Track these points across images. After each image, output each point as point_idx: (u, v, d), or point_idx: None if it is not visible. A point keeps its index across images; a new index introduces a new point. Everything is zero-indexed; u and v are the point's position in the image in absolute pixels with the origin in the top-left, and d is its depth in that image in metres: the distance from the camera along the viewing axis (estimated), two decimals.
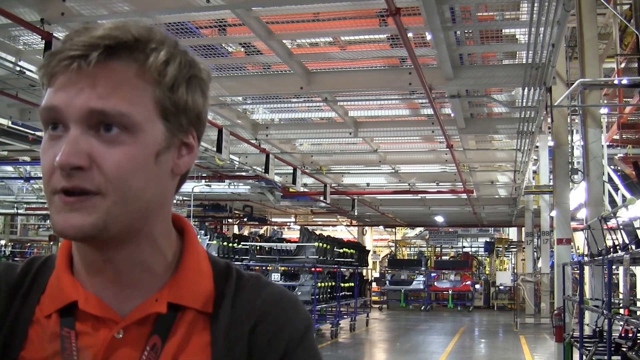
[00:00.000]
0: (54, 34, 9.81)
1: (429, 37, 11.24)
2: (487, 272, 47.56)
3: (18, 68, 12.20)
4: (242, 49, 13.11)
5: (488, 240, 49.83)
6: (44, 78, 1.30)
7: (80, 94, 1.25)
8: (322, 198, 24.67)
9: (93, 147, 1.26)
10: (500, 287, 41.27)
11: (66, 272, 1.38)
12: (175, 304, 1.38)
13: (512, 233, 49.88)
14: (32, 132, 17.61)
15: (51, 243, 30.92)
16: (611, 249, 10.11)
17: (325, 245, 24.29)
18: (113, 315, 1.34)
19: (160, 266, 1.40)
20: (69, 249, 1.41)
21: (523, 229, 37.46)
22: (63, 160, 1.23)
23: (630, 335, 10.69)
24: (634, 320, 8.96)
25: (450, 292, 40.28)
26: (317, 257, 23.04)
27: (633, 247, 9.11)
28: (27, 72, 12.24)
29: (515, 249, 47.11)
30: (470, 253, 49.82)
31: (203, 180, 25.60)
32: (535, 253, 34.42)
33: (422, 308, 39.56)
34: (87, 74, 1.26)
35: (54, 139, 1.27)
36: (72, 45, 1.27)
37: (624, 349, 9.51)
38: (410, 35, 10.93)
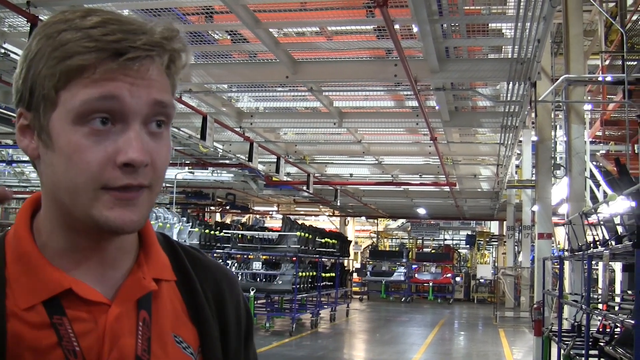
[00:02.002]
0: (40, 17, 9.77)
1: (415, 29, 11.25)
2: (468, 265, 47.71)
3: (2, 50, 12.12)
4: (229, 37, 13.11)
5: (469, 233, 50.03)
6: (86, 67, 1.25)
7: (144, 89, 1.28)
8: (305, 188, 24.68)
9: (149, 144, 1.29)
10: (480, 280, 41.38)
11: (45, 260, 1.33)
12: (155, 278, 1.43)
13: (493, 227, 50.06)
14: (15, 115, 17.47)
15: None
16: (591, 245, 10.17)
17: (307, 235, 24.28)
18: (102, 298, 1.34)
19: (134, 244, 1.44)
20: (32, 238, 1.36)
21: (505, 222, 37.65)
22: (137, 158, 1.25)
23: (608, 330, 10.77)
24: (612, 316, 9.03)
25: (430, 284, 40.36)
26: (299, 246, 23.05)
27: (613, 242, 9.17)
28: (12, 55, 12.16)
29: (496, 243, 47.26)
30: (451, 246, 49.95)
31: (186, 168, 25.56)
32: (516, 247, 34.61)
33: (402, 299, 39.65)
34: (140, 70, 1.28)
35: (100, 134, 1.25)
36: (132, 42, 1.27)
37: (602, 344, 9.58)
38: (397, 26, 10.95)
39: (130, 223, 1.28)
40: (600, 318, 9.92)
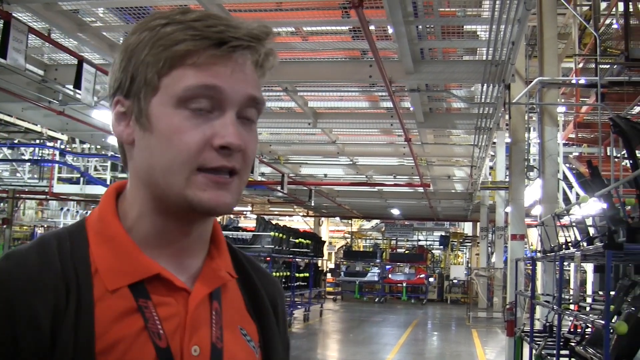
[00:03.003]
0: (14, 14, 9.71)
1: (390, 30, 11.28)
2: (441, 266, 47.86)
3: None
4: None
5: (443, 234, 50.20)
6: (190, 53, 1.34)
7: (241, 82, 1.36)
8: (279, 188, 24.66)
9: (242, 132, 1.36)
10: (454, 281, 41.57)
11: (134, 244, 1.39)
12: (228, 272, 1.51)
13: (467, 227, 50.23)
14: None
15: (4, 226, 30.40)
16: (563, 246, 10.25)
17: (281, 235, 24.30)
18: (184, 284, 1.40)
19: (208, 236, 1.51)
20: (119, 222, 1.41)
21: (478, 223, 37.79)
22: (235, 141, 1.33)
23: (579, 330, 10.86)
24: (582, 316, 9.11)
25: (404, 284, 40.44)
26: (273, 246, 23.06)
27: (584, 244, 9.26)
28: None
29: (469, 244, 47.44)
30: (425, 246, 50.08)
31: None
32: (489, 248, 34.76)
33: (376, 300, 39.74)
34: (240, 64, 1.37)
35: (199, 118, 1.33)
36: (234, 34, 1.35)
37: (573, 344, 9.67)
38: (372, 27, 10.97)
39: (223, 205, 1.36)
40: (571, 319, 10.00)
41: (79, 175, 28.30)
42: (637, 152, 7.31)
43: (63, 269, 1.33)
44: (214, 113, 1.34)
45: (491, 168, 28.08)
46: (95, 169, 29.36)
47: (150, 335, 1.32)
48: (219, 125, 1.33)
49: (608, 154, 15.61)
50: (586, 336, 9.62)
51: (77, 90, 11.46)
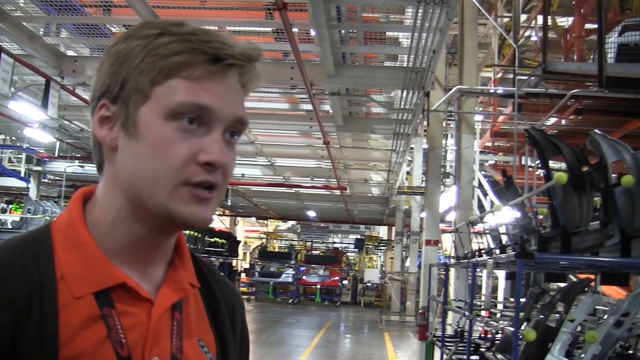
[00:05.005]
0: None
1: (313, 33, 11.33)
2: (356, 269, 48.07)
3: None
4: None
5: (359, 237, 50.44)
6: (186, 66, 1.35)
7: (231, 105, 1.39)
8: None
9: (226, 150, 1.38)
10: (368, 284, 41.77)
11: (101, 252, 1.38)
12: (190, 283, 1.51)
13: (382, 231, 50.61)
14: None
15: None
16: (476, 253, 10.41)
17: (196, 233, 24.14)
18: (148, 295, 1.40)
19: (173, 245, 1.51)
20: (88, 229, 1.40)
21: (393, 228, 38.07)
22: (220, 158, 1.35)
23: (489, 335, 11.05)
24: (493, 323, 9.27)
25: (318, 286, 40.49)
26: (188, 245, 22.87)
27: (497, 251, 9.42)
28: None
29: (384, 247, 47.81)
30: (340, 249, 50.25)
31: (76, 161, 25.07)
32: (404, 252, 35.03)
33: (290, 301, 39.72)
34: (230, 81, 1.39)
35: (186, 132, 1.34)
36: (230, 51, 1.37)
37: (483, 349, 9.83)
38: (295, 30, 11.00)
39: (202, 220, 1.37)
40: (482, 325, 10.16)
41: None
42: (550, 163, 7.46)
43: (27, 275, 1.32)
44: (202, 129, 1.35)
45: (408, 173, 28.34)
46: (10, 161, 28.78)
47: (113, 344, 1.32)
48: (205, 141, 1.34)
49: (523, 163, 15.91)
50: (496, 342, 9.80)
51: None
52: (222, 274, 1.73)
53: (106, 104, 1.39)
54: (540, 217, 8.66)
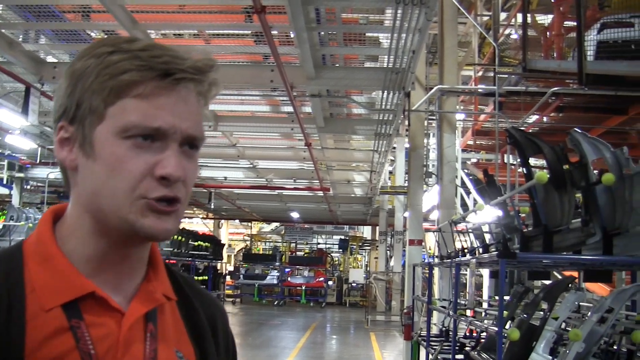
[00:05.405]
0: None
1: (293, 35, 11.32)
2: (340, 269, 48.07)
3: None
4: (106, 36, 12.88)
5: (343, 237, 50.42)
6: (135, 84, 1.36)
7: (183, 120, 1.39)
8: None
9: (183, 162, 1.39)
10: (353, 284, 41.78)
11: (69, 264, 1.40)
12: (164, 294, 1.52)
13: (366, 231, 50.63)
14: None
15: None
16: (460, 252, 10.43)
17: (180, 237, 24.10)
18: (118, 305, 1.41)
19: (146, 258, 1.53)
20: (56, 243, 1.42)
21: (377, 227, 38.08)
22: (174, 172, 1.36)
23: (475, 334, 11.06)
24: (477, 322, 9.28)
25: (303, 287, 40.45)
26: (172, 249, 22.84)
27: (480, 251, 9.44)
28: None
29: (368, 247, 47.84)
30: (324, 250, 50.20)
31: (59, 167, 24.90)
32: (388, 252, 35.06)
33: (275, 303, 39.65)
34: (183, 96, 1.40)
35: (142, 148, 1.36)
36: (179, 65, 1.38)
37: (468, 348, 9.84)
38: (275, 32, 10.99)
39: (163, 231, 1.39)
40: (467, 324, 10.18)
41: None
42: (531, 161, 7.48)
43: None
44: (157, 143, 1.36)
45: (391, 173, 28.36)
46: None
47: (81, 355, 1.33)
48: (161, 156, 1.36)
49: (505, 160, 15.95)
50: (481, 341, 9.81)
51: None
52: (203, 286, 1.74)
53: (64, 126, 1.42)
54: (523, 215, 8.68)
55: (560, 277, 11.36)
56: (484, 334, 9.88)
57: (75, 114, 1.39)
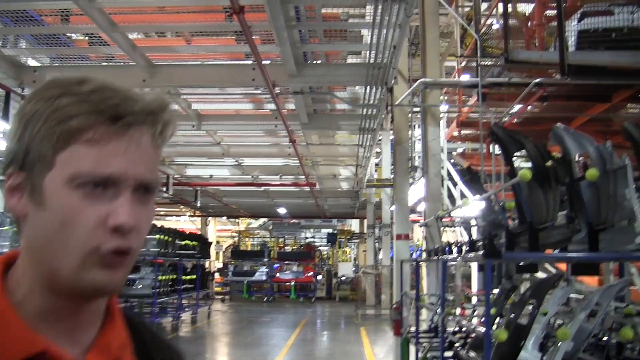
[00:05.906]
0: None
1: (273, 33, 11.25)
2: (329, 263, 48.05)
3: None
4: (86, 38, 12.80)
5: (331, 231, 50.41)
6: (84, 129, 1.29)
7: (136, 165, 1.32)
8: (164, 189, 24.41)
9: (137, 209, 1.32)
10: (342, 279, 41.78)
11: (19, 320, 1.31)
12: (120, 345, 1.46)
13: (354, 225, 50.60)
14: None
15: None
16: (446, 248, 10.38)
17: (166, 237, 24.01)
18: (73, 359, 1.34)
19: (102, 309, 1.44)
20: (5, 296, 1.33)
21: (365, 220, 38.11)
22: (128, 221, 1.29)
23: (464, 330, 11.02)
24: (464, 322, 9.25)
25: (292, 283, 40.42)
26: (159, 249, 22.74)
27: (466, 247, 9.38)
28: None
29: (357, 241, 47.83)
30: (312, 244, 50.18)
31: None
32: (376, 244, 35.08)
33: (264, 299, 39.61)
34: (135, 140, 1.32)
35: (93, 197, 1.28)
36: (130, 107, 1.31)
37: (457, 345, 9.79)
38: (256, 30, 10.93)
39: (113, 286, 1.32)
40: (454, 323, 10.15)
41: None
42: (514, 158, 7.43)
43: None
44: (109, 191, 1.29)
45: (377, 165, 28.35)
46: None
47: None
48: (113, 205, 1.29)
49: (490, 151, 15.90)
50: (469, 339, 9.76)
51: None
52: (163, 332, 1.67)
53: (14, 173, 1.34)
54: (509, 212, 8.63)
55: (548, 269, 11.33)
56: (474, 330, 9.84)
57: (24, 160, 1.31)
